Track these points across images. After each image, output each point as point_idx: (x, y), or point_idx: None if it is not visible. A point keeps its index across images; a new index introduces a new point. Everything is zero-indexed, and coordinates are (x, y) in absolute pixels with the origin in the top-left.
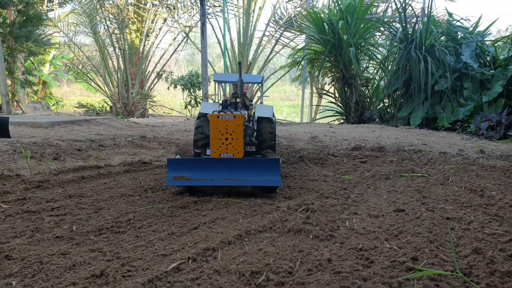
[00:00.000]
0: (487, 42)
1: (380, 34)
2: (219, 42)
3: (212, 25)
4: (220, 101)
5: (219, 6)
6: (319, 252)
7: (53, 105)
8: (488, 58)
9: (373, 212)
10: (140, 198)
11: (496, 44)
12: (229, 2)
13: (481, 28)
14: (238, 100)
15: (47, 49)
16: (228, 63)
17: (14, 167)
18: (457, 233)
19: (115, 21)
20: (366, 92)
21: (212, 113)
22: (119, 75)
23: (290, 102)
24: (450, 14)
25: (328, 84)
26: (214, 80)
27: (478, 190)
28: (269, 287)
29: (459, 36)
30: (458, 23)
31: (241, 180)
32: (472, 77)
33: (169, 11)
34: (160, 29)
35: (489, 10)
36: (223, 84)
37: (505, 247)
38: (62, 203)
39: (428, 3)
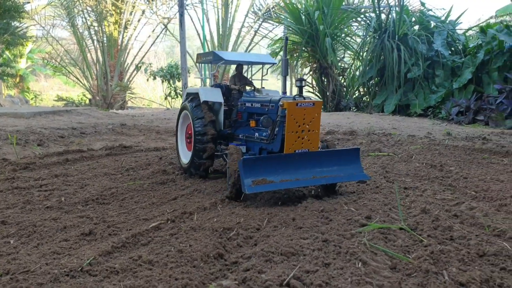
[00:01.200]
0: (458, 31)
1: (357, 24)
2: (198, 34)
3: (191, 17)
4: (209, 85)
5: None
6: (285, 213)
7: (31, 99)
8: (459, 47)
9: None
10: (122, 176)
11: (467, 34)
12: None
13: (452, 17)
14: (303, 84)
15: (24, 42)
16: None
17: None
18: (410, 199)
19: (93, 13)
20: (343, 81)
21: (280, 100)
22: (98, 67)
23: None
24: (423, 4)
25: (306, 74)
26: (223, 60)
27: (438, 166)
28: (239, 239)
29: (432, 25)
30: (431, 13)
31: (327, 177)
32: (443, 65)
33: (148, 2)
34: (138, 21)
35: (461, 0)
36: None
37: (451, 209)
38: (49, 181)
39: None
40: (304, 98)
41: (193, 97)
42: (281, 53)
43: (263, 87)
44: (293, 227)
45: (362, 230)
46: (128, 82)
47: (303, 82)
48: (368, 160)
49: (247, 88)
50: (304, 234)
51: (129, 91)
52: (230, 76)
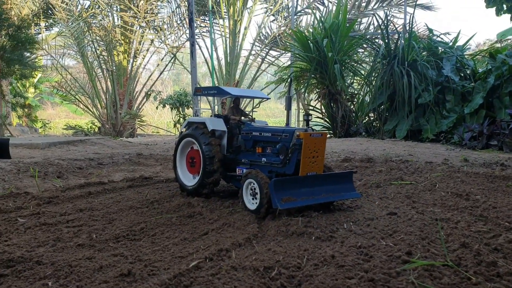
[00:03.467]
0: (466, 56)
1: (363, 50)
2: (206, 62)
3: (199, 45)
4: (210, 115)
5: (205, 27)
6: (322, 250)
7: (40, 127)
8: (468, 72)
9: (368, 215)
10: (148, 210)
11: (474, 58)
12: (215, 23)
13: (460, 43)
14: (310, 118)
15: (34, 72)
16: (216, 82)
17: (21, 185)
18: (446, 231)
19: (102, 43)
20: (352, 107)
21: (294, 131)
22: (107, 96)
23: (276, 119)
24: (430, 30)
25: (315, 100)
26: (229, 95)
27: (463, 195)
28: (282, 279)
29: (440, 51)
30: (438, 39)
31: (334, 195)
32: (453, 90)
33: (156, 32)
34: (147, 50)
35: (467, 25)
36: (212, 99)
37: (490, 242)
38: (75, 216)
39: (410, 20)
40: (313, 130)
41: (197, 126)
42: (287, 80)
43: (254, 118)
44: (335, 265)
45: (406, 267)
46: (138, 110)
47: (310, 116)
48: (392, 189)
49: (242, 118)
50: (348, 273)
51: (138, 119)
52: (228, 108)
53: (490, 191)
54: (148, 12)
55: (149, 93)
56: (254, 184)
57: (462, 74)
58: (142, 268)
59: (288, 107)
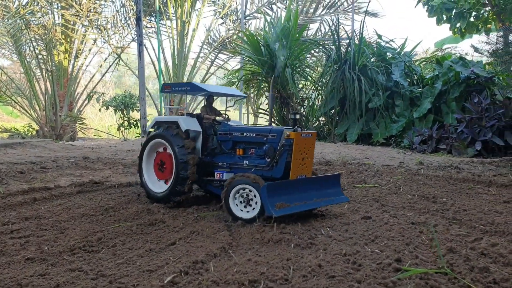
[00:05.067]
0: (414, 62)
1: (310, 56)
2: (152, 63)
3: (146, 47)
4: (182, 114)
5: (152, 27)
6: (306, 259)
7: None
8: (416, 77)
9: (342, 220)
10: (103, 218)
11: (420, 64)
12: (162, 24)
13: (407, 49)
14: (297, 116)
15: None
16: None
17: None
18: (427, 236)
19: (41, 42)
20: (302, 111)
21: (284, 131)
22: (46, 97)
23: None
24: (379, 36)
25: (265, 104)
26: (204, 92)
27: (430, 197)
28: None
29: (389, 57)
30: (387, 44)
31: (324, 199)
32: (402, 95)
33: (99, 32)
34: (90, 50)
35: (413, 32)
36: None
37: (474, 246)
38: (21, 225)
39: (360, 25)
40: (301, 129)
41: (168, 126)
42: (238, 83)
43: (229, 118)
44: (325, 276)
45: (401, 277)
46: (79, 113)
47: (297, 115)
48: (357, 192)
49: (217, 118)
50: (341, 285)
51: (79, 122)
52: (201, 107)
53: (454, 194)
54: (91, 10)
55: (91, 94)
56: (248, 189)
57: (410, 80)
58: (106, 285)
59: (271, 106)
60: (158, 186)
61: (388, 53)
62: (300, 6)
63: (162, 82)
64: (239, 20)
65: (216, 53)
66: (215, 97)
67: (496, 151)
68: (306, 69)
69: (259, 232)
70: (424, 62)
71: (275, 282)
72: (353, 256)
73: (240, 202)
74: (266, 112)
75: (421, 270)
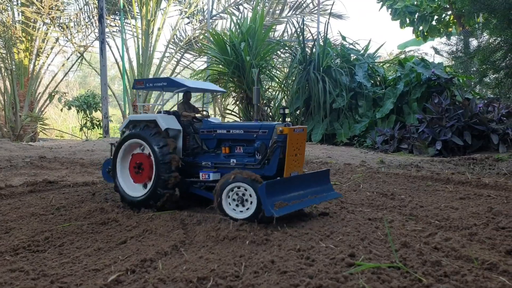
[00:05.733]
0: (376, 64)
1: (277, 57)
2: (117, 63)
3: (109, 46)
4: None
5: (116, 26)
6: (260, 255)
7: None
8: (379, 78)
9: (300, 216)
10: (53, 217)
11: (383, 66)
12: (127, 23)
13: (371, 50)
14: (286, 111)
15: None
16: (127, 84)
17: None
18: (383, 231)
19: (1, 39)
20: (269, 111)
21: (275, 126)
22: (5, 97)
23: None
24: (343, 38)
25: (232, 104)
26: (184, 87)
27: (389, 194)
28: None
29: (353, 58)
30: (351, 46)
31: (319, 196)
32: (365, 96)
33: (62, 30)
34: (51, 48)
35: (379, 34)
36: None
37: (428, 241)
38: None
39: (325, 27)
40: (292, 124)
41: (145, 125)
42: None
43: (209, 114)
44: (276, 272)
45: (353, 271)
46: (40, 113)
47: (286, 110)
48: None
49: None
50: (292, 280)
51: (40, 122)
52: (178, 103)
53: (413, 191)
54: (53, 8)
55: (53, 94)
56: (242, 188)
57: (374, 81)
58: (47, 286)
59: (257, 100)
60: (135, 190)
61: (352, 55)
62: (266, 7)
63: (126, 81)
64: (205, 20)
65: (182, 53)
66: (192, 94)
67: (456, 151)
68: (273, 70)
69: (214, 230)
70: (388, 64)
71: (225, 279)
72: (307, 252)
73: (235, 200)
74: (233, 112)
75: (373, 265)
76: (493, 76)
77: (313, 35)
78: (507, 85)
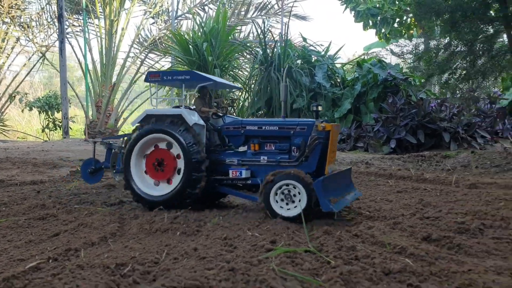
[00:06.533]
0: (337, 65)
1: (243, 58)
2: (80, 64)
3: (72, 46)
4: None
5: (79, 26)
6: (185, 244)
7: None
8: (339, 80)
9: (237, 209)
10: None
11: (344, 67)
12: (90, 23)
13: (331, 52)
14: (320, 108)
15: None
16: (90, 85)
17: None
18: (311, 221)
19: None
20: (232, 112)
21: (315, 123)
22: None
23: None
24: (304, 39)
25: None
26: (211, 82)
27: None
28: (135, 275)
29: (314, 59)
30: (312, 48)
31: (352, 194)
32: (325, 96)
33: (23, 29)
34: (12, 48)
35: (346, 36)
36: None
37: (351, 229)
38: None
39: (284, 28)
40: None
41: (172, 120)
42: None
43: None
44: (196, 258)
45: (269, 255)
46: (0, 114)
47: (319, 107)
48: None
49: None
50: (208, 264)
51: (0, 124)
52: (195, 99)
53: (355, 185)
54: (14, 7)
55: (13, 95)
56: (292, 185)
57: (333, 82)
58: None
59: (285, 97)
60: (154, 188)
61: (313, 56)
62: (232, 8)
63: (89, 81)
64: (171, 20)
65: (146, 53)
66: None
67: (410, 149)
68: (236, 71)
69: (149, 223)
70: (351, 66)
71: (143, 265)
72: (232, 240)
73: (282, 199)
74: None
75: (288, 249)
76: (439, 77)
77: (274, 36)
78: (452, 85)
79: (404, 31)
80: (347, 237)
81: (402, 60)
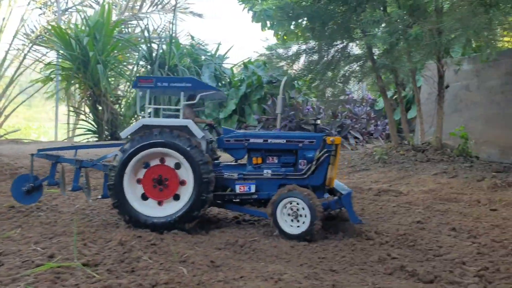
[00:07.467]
0: (227, 66)
1: (132, 54)
2: None
3: None
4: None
5: None
6: None
7: None
8: (228, 80)
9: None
10: None
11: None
12: None
13: (222, 52)
14: (318, 122)
15: None
16: None
17: None
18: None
19: None
20: (119, 109)
21: (323, 136)
22: None
23: (51, 123)
24: (192, 38)
25: (79, 102)
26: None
27: None
28: None
29: (203, 58)
30: (202, 47)
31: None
32: None
33: None
34: None
35: (250, 35)
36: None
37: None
38: None
39: (171, 26)
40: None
41: (178, 134)
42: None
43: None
44: None
45: (31, 272)
46: None
47: (317, 120)
48: None
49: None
50: None
51: None
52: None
53: None
54: None
55: None
56: (295, 202)
57: (221, 82)
58: None
59: (281, 110)
60: (154, 209)
61: (202, 56)
62: (125, 2)
63: None
64: (61, 12)
65: (30, 46)
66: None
67: None
68: (122, 67)
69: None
70: (242, 66)
71: None
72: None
73: (288, 215)
74: (80, 111)
75: (63, 264)
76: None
77: (159, 33)
78: (321, 89)
79: (300, 33)
80: (140, 247)
81: (268, 63)
